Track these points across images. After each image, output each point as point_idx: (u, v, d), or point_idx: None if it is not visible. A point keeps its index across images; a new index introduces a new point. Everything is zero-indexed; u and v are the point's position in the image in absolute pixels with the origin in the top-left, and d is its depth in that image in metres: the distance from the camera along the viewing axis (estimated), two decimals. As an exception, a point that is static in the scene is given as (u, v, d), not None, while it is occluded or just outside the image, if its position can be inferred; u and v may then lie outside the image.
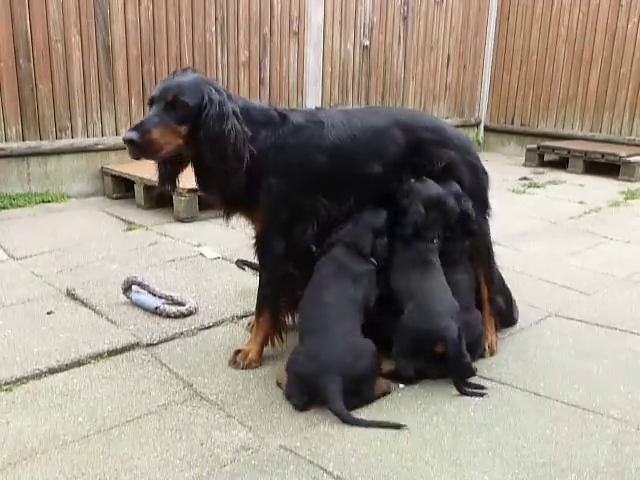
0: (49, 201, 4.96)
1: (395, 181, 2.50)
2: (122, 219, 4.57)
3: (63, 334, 2.67)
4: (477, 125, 8.58)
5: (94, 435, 1.98)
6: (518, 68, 8.19)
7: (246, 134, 2.24)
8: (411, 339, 2.25)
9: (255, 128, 2.33)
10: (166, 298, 2.96)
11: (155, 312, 2.87)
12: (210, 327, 2.81)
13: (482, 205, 2.66)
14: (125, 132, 2.22)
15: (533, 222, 4.82)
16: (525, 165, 7.37)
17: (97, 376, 2.35)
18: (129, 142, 2.14)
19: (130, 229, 4.33)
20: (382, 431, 2.02)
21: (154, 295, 2.96)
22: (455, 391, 2.24)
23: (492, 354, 2.58)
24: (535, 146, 7.45)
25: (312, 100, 6.55)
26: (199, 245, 3.97)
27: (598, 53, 7.44)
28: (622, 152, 6.75)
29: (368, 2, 6.91)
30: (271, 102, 5.84)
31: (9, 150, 4.81)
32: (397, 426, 2.02)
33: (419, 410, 2.16)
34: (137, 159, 2.23)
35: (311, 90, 6.55)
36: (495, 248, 2.79)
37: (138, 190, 4.87)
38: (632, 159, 6.63)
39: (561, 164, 7.18)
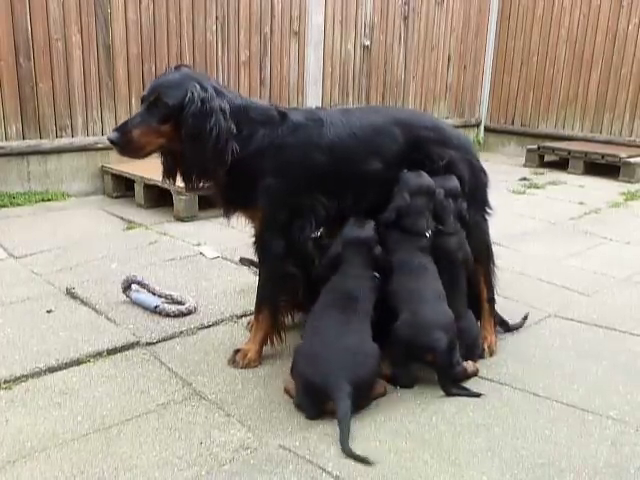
0: (49, 200, 4.96)
1: (395, 179, 2.50)
2: (122, 218, 4.57)
3: (62, 333, 2.67)
4: (477, 125, 8.58)
5: (93, 434, 1.98)
6: (518, 69, 8.18)
7: (230, 132, 2.23)
8: (403, 350, 2.25)
9: (253, 126, 2.34)
10: (166, 297, 2.96)
11: (155, 311, 2.87)
12: (209, 326, 2.81)
13: (481, 204, 2.66)
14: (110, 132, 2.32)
15: (533, 223, 4.82)
16: (525, 166, 7.37)
17: (96, 375, 2.35)
18: (111, 142, 2.25)
19: (130, 228, 4.33)
20: (381, 431, 2.02)
21: (154, 294, 2.96)
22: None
23: (491, 354, 2.58)
24: (535, 147, 7.44)
25: (312, 100, 6.54)
26: (199, 244, 3.97)
27: (599, 54, 7.44)
28: (622, 153, 6.75)
29: (369, 2, 6.91)
30: (272, 102, 5.84)
31: (9, 149, 4.81)
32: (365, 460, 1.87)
33: (418, 410, 2.16)
34: (124, 156, 2.33)
35: (311, 90, 6.55)
36: (495, 248, 2.79)
37: (138, 189, 4.86)
38: (632, 160, 6.62)
39: (561, 165, 7.18)
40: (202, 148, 2.22)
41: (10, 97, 4.75)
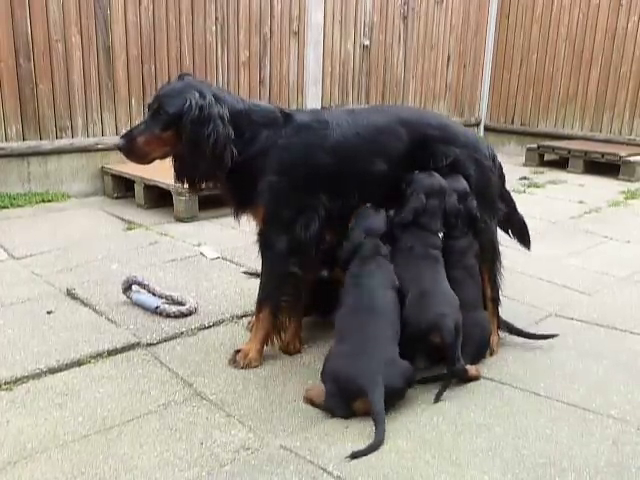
0: (49, 201, 4.96)
1: (400, 178, 2.50)
2: (122, 219, 4.57)
3: (63, 334, 2.67)
4: (477, 125, 8.58)
5: (94, 435, 1.98)
6: (518, 67, 8.19)
7: (229, 137, 2.31)
8: (409, 332, 2.25)
9: (256, 129, 2.39)
10: (166, 298, 2.96)
11: (155, 312, 2.87)
12: (210, 327, 2.81)
13: (490, 204, 2.63)
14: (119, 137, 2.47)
15: (533, 222, 4.78)
16: (525, 165, 7.37)
17: (97, 376, 2.35)
18: (118, 148, 2.39)
19: (130, 229, 4.33)
20: (382, 431, 2.02)
21: (154, 295, 2.96)
22: (454, 392, 2.24)
23: (492, 354, 2.58)
24: (535, 146, 7.44)
25: (312, 100, 6.54)
26: (199, 245, 3.97)
27: (598, 52, 7.44)
28: (622, 152, 6.75)
29: (368, 2, 6.91)
30: (274, 103, 5.84)
31: (9, 150, 4.81)
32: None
33: (419, 410, 2.16)
34: (131, 162, 2.46)
35: (311, 90, 6.55)
36: (496, 248, 2.79)
37: (138, 190, 4.86)
38: (632, 159, 6.62)
39: (561, 164, 7.18)
40: (201, 153, 2.29)
41: (10, 98, 4.75)
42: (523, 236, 2.96)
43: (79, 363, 2.44)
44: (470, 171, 2.57)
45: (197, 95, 2.29)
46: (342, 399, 2.08)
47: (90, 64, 5.06)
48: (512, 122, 8.37)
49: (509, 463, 1.88)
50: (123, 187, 5.16)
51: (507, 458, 1.91)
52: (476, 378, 2.36)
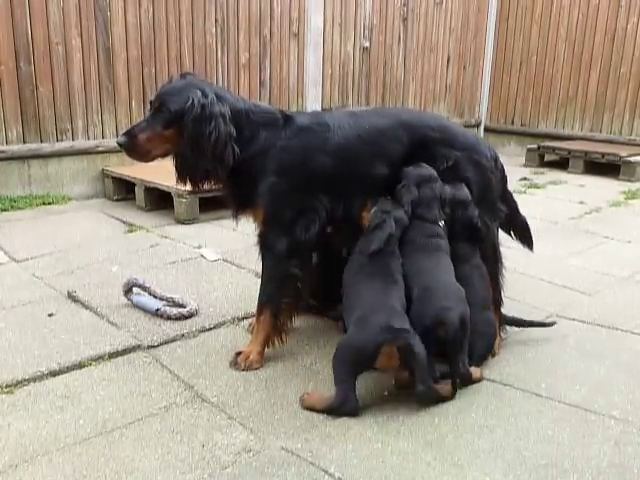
0: (50, 203, 4.96)
1: (400, 181, 2.50)
2: (123, 221, 4.57)
3: (64, 336, 2.67)
4: (477, 126, 8.58)
5: (95, 437, 1.98)
6: (518, 69, 8.19)
7: (230, 135, 2.31)
8: (415, 327, 2.24)
9: (255, 129, 2.40)
10: (167, 300, 2.96)
11: (156, 314, 2.87)
12: (211, 329, 2.81)
13: (490, 206, 2.62)
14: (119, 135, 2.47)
15: (534, 222, 4.74)
16: (525, 165, 7.37)
17: (98, 378, 2.35)
18: (120, 145, 2.39)
19: (131, 231, 4.33)
20: (384, 432, 2.02)
21: (155, 297, 2.96)
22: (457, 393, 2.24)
23: (493, 355, 2.57)
24: (535, 146, 7.44)
25: (312, 102, 6.55)
26: (200, 247, 3.97)
27: (598, 53, 7.45)
28: (622, 152, 6.75)
29: (368, 4, 6.91)
30: (274, 105, 5.84)
31: (10, 152, 4.81)
32: None
33: (420, 411, 2.15)
34: (133, 159, 2.45)
35: (311, 91, 6.55)
36: (496, 248, 2.79)
37: (139, 192, 4.87)
38: (632, 159, 6.62)
39: (561, 164, 7.18)
40: (203, 151, 2.29)
41: (10, 101, 4.75)
42: (525, 237, 2.96)
43: (80, 366, 2.43)
44: (470, 174, 2.56)
45: (199, 93, 2.29)
46: (358, 362, 2.09)
47: (90, 66, 5.07)
48: (512, 123, 8.37)
49: (511, 464, 1.88)
50: (124, 189, 5.16)
51: (509, 459, 1.90)
52: (478, 380, 2.36)
